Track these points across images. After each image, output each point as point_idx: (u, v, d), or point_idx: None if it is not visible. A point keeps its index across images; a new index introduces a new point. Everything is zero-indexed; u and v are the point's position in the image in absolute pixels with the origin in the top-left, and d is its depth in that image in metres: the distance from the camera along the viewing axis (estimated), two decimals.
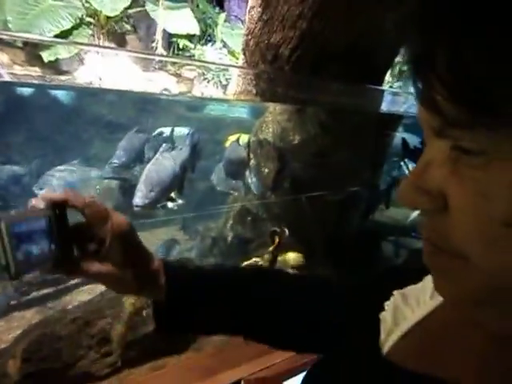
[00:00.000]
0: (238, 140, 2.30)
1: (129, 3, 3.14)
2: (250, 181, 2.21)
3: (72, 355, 1.25)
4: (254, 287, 0.69)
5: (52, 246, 0.56)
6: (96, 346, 1.31)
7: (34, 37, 2.26)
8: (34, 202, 0.56)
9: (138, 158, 2.13)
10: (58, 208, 0.58)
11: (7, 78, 2.69)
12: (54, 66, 2.90)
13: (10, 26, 2.85)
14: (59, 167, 2.54)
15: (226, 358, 1.40)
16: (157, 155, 1.90)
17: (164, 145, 1.99)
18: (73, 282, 2.44)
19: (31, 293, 2.32)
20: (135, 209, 1.64)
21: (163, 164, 1.86)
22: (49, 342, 1.25)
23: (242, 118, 3.61)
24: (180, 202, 1.86)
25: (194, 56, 3.65)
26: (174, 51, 3.63)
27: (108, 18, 3.21)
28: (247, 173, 2.22)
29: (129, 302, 1.38)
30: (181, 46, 3.66)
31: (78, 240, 0.60)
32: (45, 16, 3.13)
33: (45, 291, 2.33)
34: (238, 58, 3.29)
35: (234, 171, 2.22)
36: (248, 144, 2.24)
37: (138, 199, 1.66)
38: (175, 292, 0.64)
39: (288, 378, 1.25)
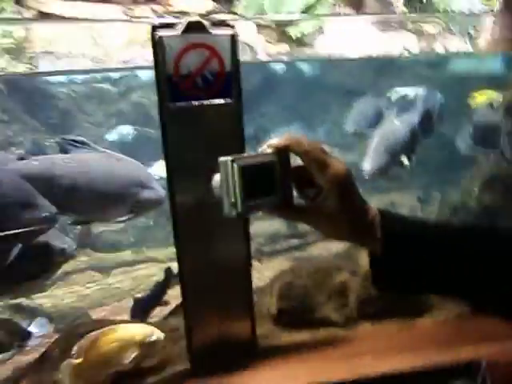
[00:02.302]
0: (489, 102, 2.02)
1: None
2: (502, 145, 1.93)
3: (315, 301, 1.43)
4: (479, 243, 0.63)
5: (275, 189, 0.61)
6: (335, 296, 1.46)
7: (281, 17, 2.48)
8: (263, 147, 0.62)
9: (370, 123, 2.13)
10: (283, 153, 0.62)
11: (262, 57, 3.10)
12: (300, 41, 3.15)
13: (264, 7, 3.22)
14: (278, 131, 2.78)
15: (465, 331, 1.33)
16: (386, 120, 1.87)
17: (395, 109, 1.93)
18: (313, 237, 2.72)
19: (279, 242, 2.70)
20: (364, 174, 1.67)
21: (392, 129, 1.82)
22: (297, 285, 1.46)
23: (492, 74, 3.13)
24: (406, 166, 1.79)
25: (437, 7, 3.32)
26: (415, 5, 3.39)
27: None
28: (501, 138, 1.94)
29: (365, 260, 1.46)
30: None
31: (299, 185, 0.64)
32: None
33: (291, 242, 2.68)
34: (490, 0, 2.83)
35: (485, 138, 1.96)
36: (503, 105, 1.94)
37: (367, 165, 1.68)
38: (391, 244, 0.63)
39: None
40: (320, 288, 1.46)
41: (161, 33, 0.90)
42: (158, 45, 0.91)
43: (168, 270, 2.02)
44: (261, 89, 3.65)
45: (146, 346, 1.28)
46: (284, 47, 3.21)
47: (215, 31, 0.95)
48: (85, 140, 1.68)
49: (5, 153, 1.74)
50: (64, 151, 1.64)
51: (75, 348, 1.25)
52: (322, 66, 3.61)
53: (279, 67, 3.77)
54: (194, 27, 0.93)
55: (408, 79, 3.27)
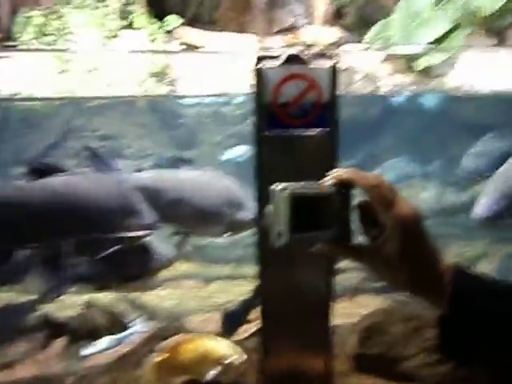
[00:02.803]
0: None
1: None
2: None
3: (401, 352, 1.31)
4: None
5: (330, 223, 0.55)
6: (425, 351, 1.31)
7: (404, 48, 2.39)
8: (324, 178, 0.57)
9: (491, 164, 1.90)
10: (344, 187, 0.56)
11: (385, 87, 3.02)
12: (427, 72, 3.01)
13: (393, 38, 3.15)
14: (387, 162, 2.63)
15: None
16: (510, 162, 1.66)
17: None
18: None
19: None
20: (475, 218, 1.50)
21: None
22: (384, 331, 1.36)
23: None
24: None
25: None
26: None
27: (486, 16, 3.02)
28: None
29: None
30: None
31: (359, 221, 0.58)
32: (423, 25, 3.28)
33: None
34: None
35: None
36: None
37: (481, 209, 1.51)
38: (460, 303, 0.54)
39: None
40: (409, 339, 1.33)
41: (262, 63, 0.95)
42: (258, 74, 0.96)
43: (257, 289, 2.03)
44: (378, 118, 3.55)
45: (225, 365, 1.29)
46: (409, 78, 3.10)
47: (315, 63, 0.97)
48: (192, 158, 1.84)
49: (127, 162, 2.01)
50: (174, 167, 1.83)
51: (159, 346, 1.33)
52: (448, 98, 3.38)
53: (401, 98, 3.63)
54: (294, 59, 0.96)
55: None
